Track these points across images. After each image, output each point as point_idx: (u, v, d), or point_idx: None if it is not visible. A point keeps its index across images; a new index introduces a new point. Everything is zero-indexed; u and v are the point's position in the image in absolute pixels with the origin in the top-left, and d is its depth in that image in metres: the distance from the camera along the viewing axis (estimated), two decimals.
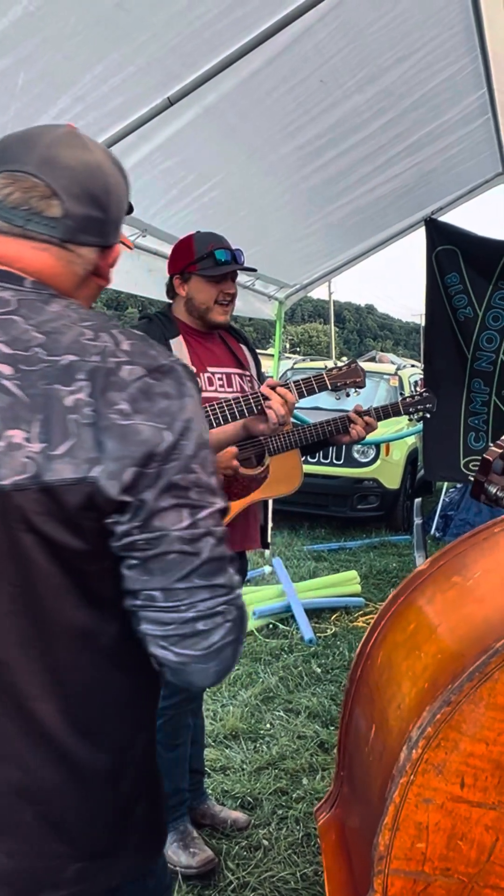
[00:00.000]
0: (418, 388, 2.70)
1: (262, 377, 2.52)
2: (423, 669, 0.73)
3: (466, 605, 0.78)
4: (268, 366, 6.02)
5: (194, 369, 2.27)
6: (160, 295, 4.16)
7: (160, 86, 2.81)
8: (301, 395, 2.14)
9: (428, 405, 2.65)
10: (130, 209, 1.12)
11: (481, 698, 0.62)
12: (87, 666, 0.91)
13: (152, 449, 0.86)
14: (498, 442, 1.60)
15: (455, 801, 0.63)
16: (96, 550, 0.88)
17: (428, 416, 2.68)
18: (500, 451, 1.57)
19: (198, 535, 0.88)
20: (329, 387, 2.24)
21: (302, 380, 2.18)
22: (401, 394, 8.39)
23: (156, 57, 2.64)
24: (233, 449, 2.25)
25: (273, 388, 2.08)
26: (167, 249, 4.09)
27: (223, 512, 0.94)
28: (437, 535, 6.98)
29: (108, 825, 0.95)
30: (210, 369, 2.33)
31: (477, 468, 1.75)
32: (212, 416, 1.98)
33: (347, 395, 2.31)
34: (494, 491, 1.56)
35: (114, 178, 1.04)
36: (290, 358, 14.85)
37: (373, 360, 12.22)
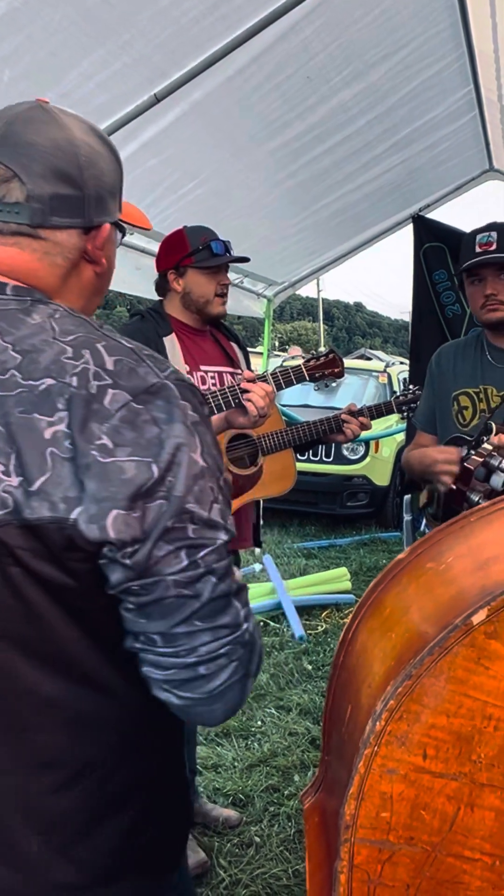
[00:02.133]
0: (410, 386, 2.70)
1: None
2: (392, 649, 0.76)
3: (436, 587, 0.80)
4: (257, 364, 6.04)
5: (187, 369, 2.27)
6: (148, 293, 4.16)
7: (146, 83, 2.81)
8: (279, 387, 2.12)
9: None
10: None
11: (441, 672, 0.64)
12: (85, 697, 0.87)
13: (137, 489, 0.78)
14: (479, 450, 1.60)
15: (418, 772, 0.65)
16: (89, 589, 0.82)
17: None
18: (482, 459, 1.57)
19: (197, 577, 0.82)
20: (307, 378, 2.21)
21: (280, 371, 2.16)
22: (392, 392, 8.42)
23: (142, 54, 2.64)
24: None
25: (252, 381, 2.07)
26: (154, 247, 4.09)
27: (228, 543, 0.86)
28: (427, 531, 6.99)
29: (113, 850, 0.92)
30: (203, 368, 2.33)
31: (456, 477, 1.76)
32: None
33: (326, 385, 2.28)
34: (477, 499, 1.57)
35: (88, 149, 0.92)
36: (279, 356, 14.87)
37: (362, 357, 12.27)
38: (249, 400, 2.01)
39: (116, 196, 0.98)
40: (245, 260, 2.37)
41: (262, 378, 2.08)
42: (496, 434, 1.67)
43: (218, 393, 2.02)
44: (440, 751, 0.64)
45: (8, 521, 0.78)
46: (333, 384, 2.29)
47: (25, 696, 0.85)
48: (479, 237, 2.10)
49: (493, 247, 2.06)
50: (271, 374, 2.11)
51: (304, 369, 2.19)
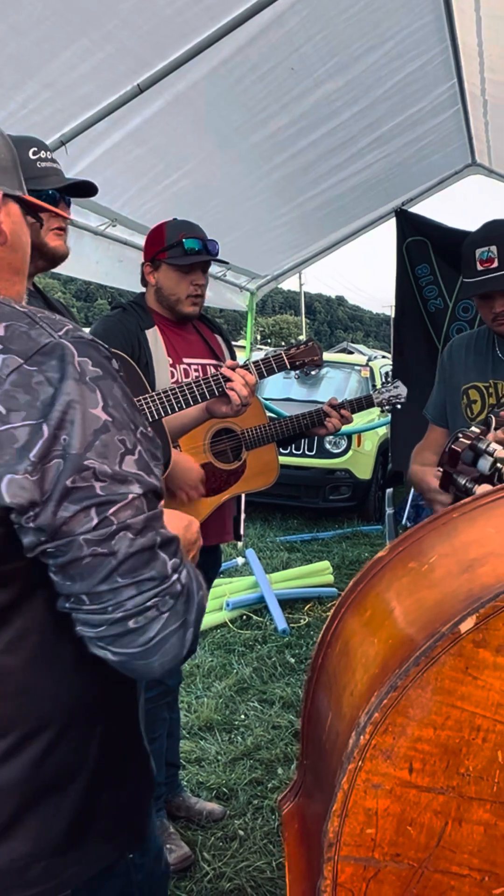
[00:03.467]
0: (389, 379, 2.71)
1: None
2: (375, 655, 0.73)
3: (420, 590, 0.77)
4: (239, 357, 6.02)
5: (170, 361, 2.25)
6: (130, 285, 4.14)
7: (130, 73, 2.77)
8: (261, 375, 2.12)
9: (400, 395, 2.66)
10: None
11: (428, 682, 0.62)
12: (22, 668, 0.87)
13: (31, 452, 0.78)
14: (466, 432, 1.59)
15: (404, 787, 0.63)
16: (6, 553, 0.83)
17: (399, 406, 2.69)
18: (469, 441, 1.56)
19: (110, 534, 0.81)
20: (288, 366, 2.21)
21: (261, 360, 2.17)
22: (372, 385, 8.43)
23: (125, 44, 2.61)
24: (199, 472, 2.22)
25: (233, 369, 2.06)
26: (137, 239, 4.07)
27: (152, 494, 0.86)
28: (409, 524, 7.03)
29: (68, 819, 0.92)
30: (186, 360, 2.31)
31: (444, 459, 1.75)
32: (173, 400, 1.94)
33: (307, 373, 2.29)
34: (464, 482, 1.56)
35: None
36: (261, 349, 14.85)
37: (344, 351, 12.29)
38: (232, 388, 2.01)
39: (9, 171, 0.96)
40: (222, 262, 2.35)
41: (244, 367, 2.07)
42: (496, 428, 1.65)
43: (202, 381, 2.01)
44: (427, 764, 0.62)
45: None
46: (313, 372, 2.30)
47: None
48: (478, 252, 2.03)
49: (495, 263, 2.00)
50: (253, 363, 2.11)
51: (284, 357, 2.20)
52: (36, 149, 1.68)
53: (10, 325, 0.82)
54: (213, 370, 2.37)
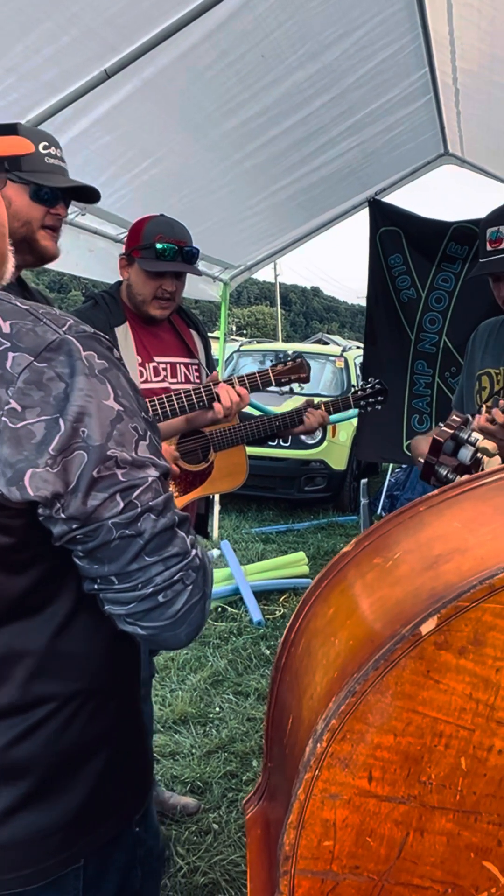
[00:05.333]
0: (371, 380, 2.67)
1: (211, 363, 2.47)
2: (336, 657, 0.71)
3: (383, 587, 0.75)
4: (213, 349, 5.97)
5: (139, 360, 2.21)
6: (102, 276, 4.07)
7: (96, 58, 2.71)
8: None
9: (380, 397, 2.63)
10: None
11: (388, 687, 0.60)
12: (46, 647, 0.91)
13: (50, 447, 0.80)
14: (448, 422, 1.57)
15: (363, 796, 0.61)
16: (27, 541, 0.86)
17: (379, 407, 2.66)
18: (451, 431, 1.54)
19: (136, 516, 0.85)
20: (273, 383, 2.23)
21: (247, 375, 2.16)
22: (348, 376, 8.43)
23: (91, 27, 2.55)
24: (174, 470, 2.21)
25: (229, 382, 2.08)
26: (108, 228, 4.01)
27: (164, 476, 0.90)
28: (384, 514, 7.05)
29: (86, 790, 0.96)
30: (156, 359, 2.26)
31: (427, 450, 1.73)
32: (160, 408, 1.94)
33: (291, 391, 2.31)
34: (445, 473, 1.54)
35: None
36: (236, 340, 14.82)
37: (319, 342, 12.28)
38: (219, 401, 2.03)
39: None
40: (194, 272, 2.27)
41: (229, 382, 2.08)
42: (485, 413, 1.63)
43: (192, 392, 2.01)
44: (387, 773, 0.59)
45: None
46: (300, 389, 2.32)
47: None
48: (489, 232, 2.01)
49: (503, 244, 1.99)
50: (238, 379, 2.11)
51: (270, 374, 2.22)
52: (47, 143, 1.67)
53: (15, 322, 0.83)
54: (183, 369, 2.33)
